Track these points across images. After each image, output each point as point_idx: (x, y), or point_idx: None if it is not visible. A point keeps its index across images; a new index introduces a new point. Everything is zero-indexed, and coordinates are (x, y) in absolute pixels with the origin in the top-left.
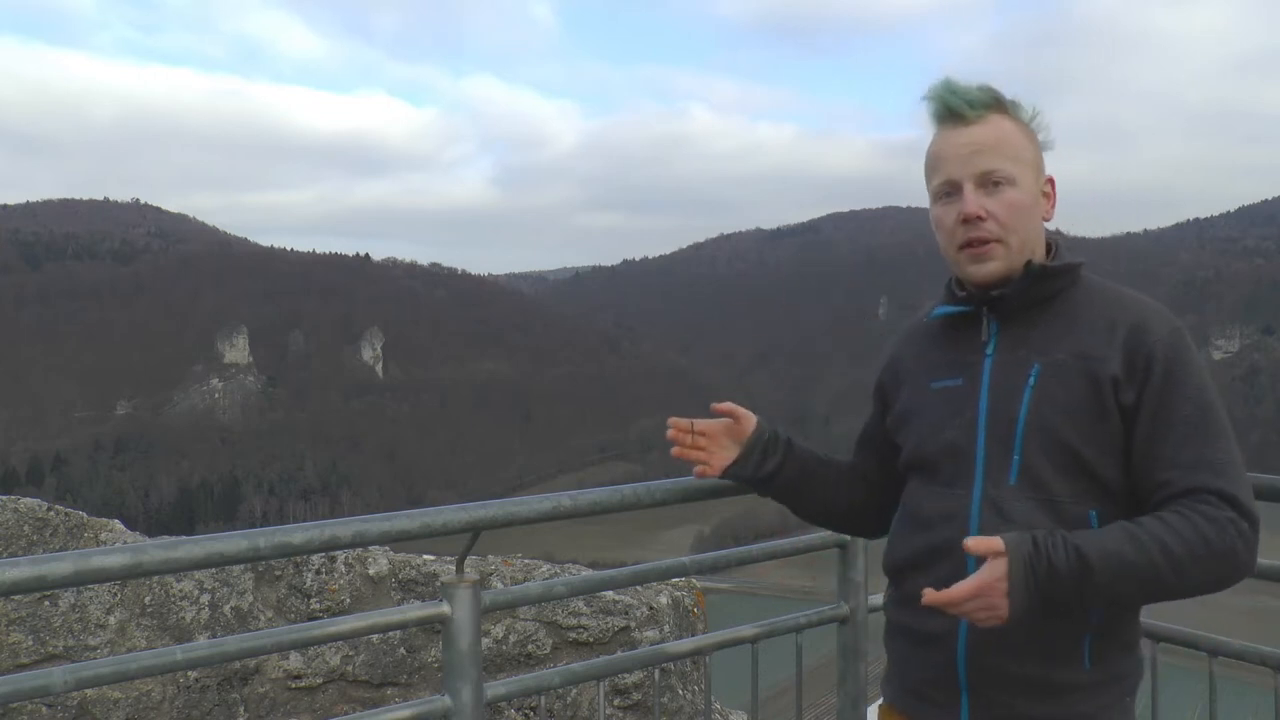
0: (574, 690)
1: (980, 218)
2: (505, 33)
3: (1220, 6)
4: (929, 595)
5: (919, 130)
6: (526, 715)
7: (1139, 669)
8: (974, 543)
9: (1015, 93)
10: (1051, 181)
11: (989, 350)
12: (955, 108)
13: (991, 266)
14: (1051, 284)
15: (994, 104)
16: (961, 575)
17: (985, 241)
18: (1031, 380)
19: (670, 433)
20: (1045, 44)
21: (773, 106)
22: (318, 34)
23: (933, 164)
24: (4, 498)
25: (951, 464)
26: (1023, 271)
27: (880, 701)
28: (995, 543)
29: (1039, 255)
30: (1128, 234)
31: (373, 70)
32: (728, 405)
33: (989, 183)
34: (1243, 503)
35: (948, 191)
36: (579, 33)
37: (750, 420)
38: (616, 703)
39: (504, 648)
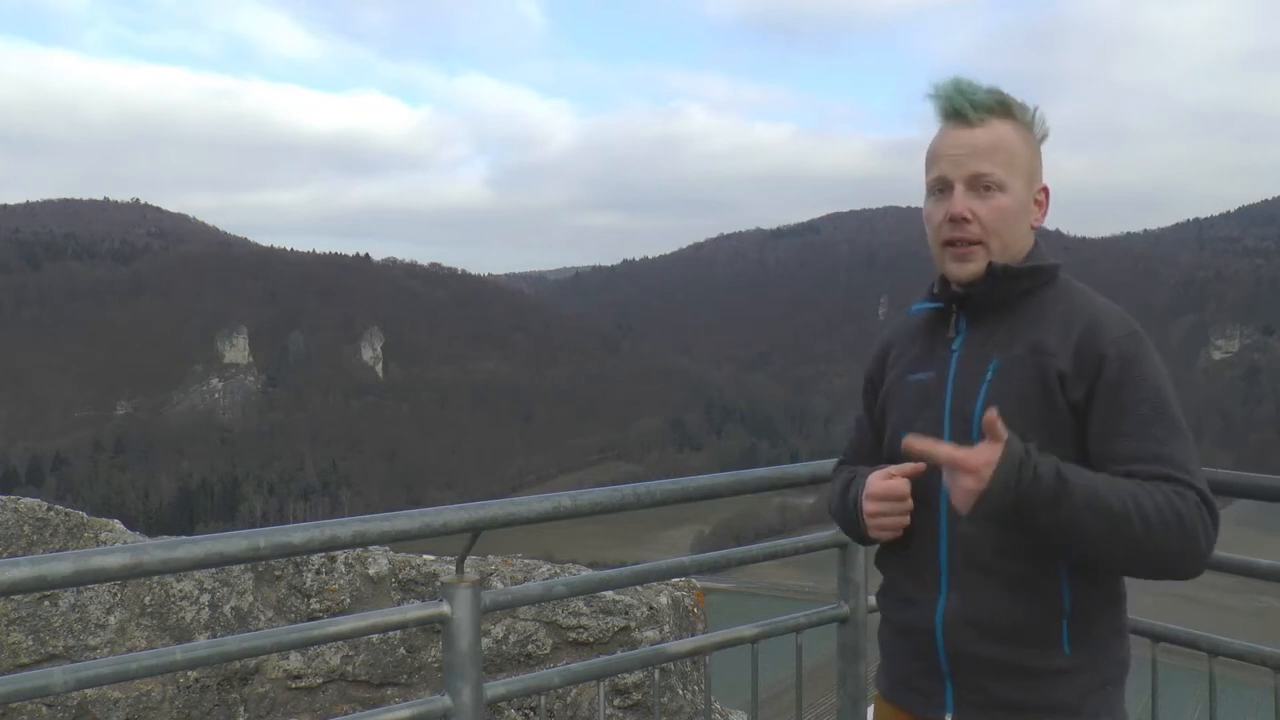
0: (574, 690)
1: (965, 219)
2: (494, 31)
3: (1219, 4)
4: (911, 441)
5: (916, 131)
6: (526, 715)
7: (1124, 660)
8: (989, 416)
9: (1011, 92)
10: (1045, 190)
11: (956, 346)
12: (959, 108)
13: (971, 267)
14: (1017, 285)
15: (998, 108)
16: (933, 564)
17: (968, 242)
18: (989, 375)
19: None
20: (1040, 42)
21: (768, 105)
22: (308, 32)
23: (931, 159)
24: (4, 498)
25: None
26: (985, 273)
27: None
28: (1000, 428)
29: (1018, 259)
30: (1127, 234)
31: (365, 69)
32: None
33: (979, 186)
34: (1207, 495)
35: (940, 189)
36: (567, 31)
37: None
38: (616, 703)
39: (504, 648)
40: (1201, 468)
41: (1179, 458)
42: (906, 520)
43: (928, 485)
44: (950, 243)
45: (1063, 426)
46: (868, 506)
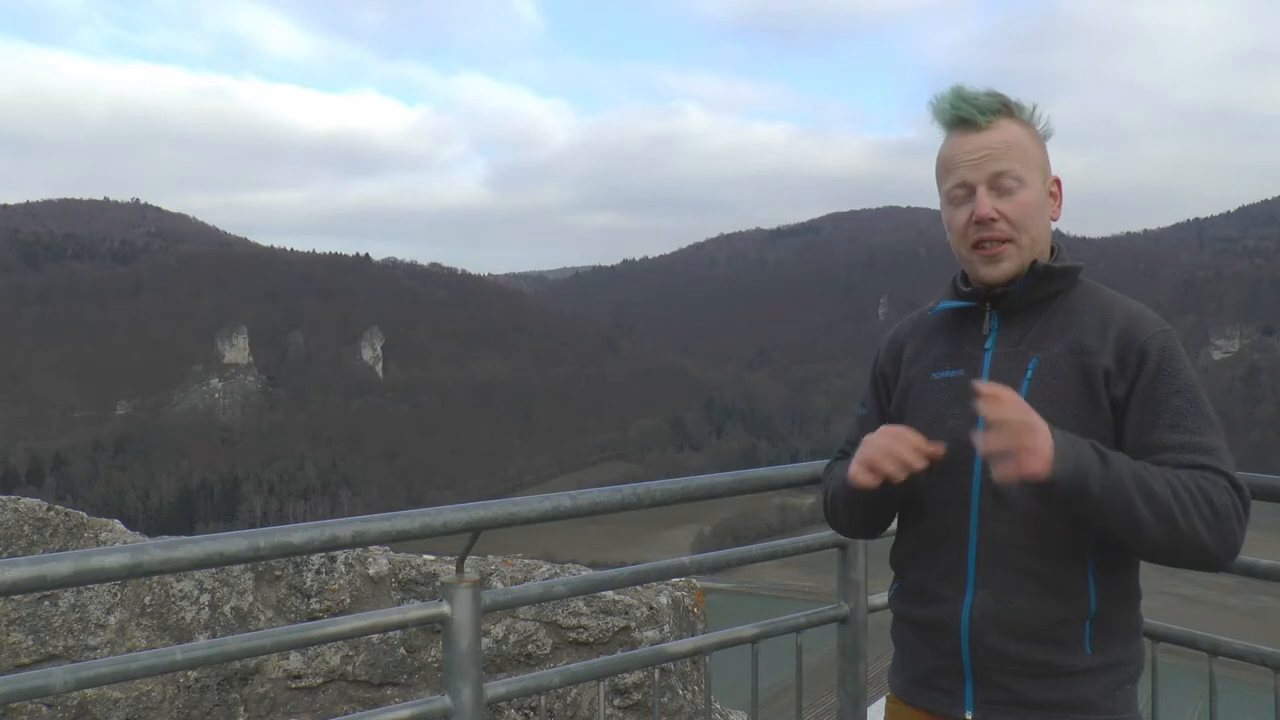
0: (574, 690)
1: (993, 219)
2: (489, 31)
3: (1218, 3)
4: (982, 386)
5: (915, 131)
6: (526, 715)
7: (1140, 659)
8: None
9: (1007, 92)
10: (1058, 182)
11: (989, 344)
12: (967, 115)
13: (1004, 266)
14: (1053, 284)
15: (1002, 109)
16: (964, 561)
17: (998, 242)
18: (1029, 373)
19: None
20: (1035, 41)
21: (764, 105)
22: (303, 31)
23: (945, 168)
24: (4, 498)
25: (952, 452)
26: (1028, 271)
27: (882, 698)
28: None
29: (1046, 255)
30: (1128, 234)
31: (361, 69)
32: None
33: (1000, 185)
34: (1238, 482)
35: (961, 194)
36: (563, 31)
37: None
38: (616, 703)
39: (504, 648)
40: (1233, 460)
41: (1212, 447)
42: (889, 468)
43: (958, 483)
44: (979, 244)
45: (1102, 425)
46: (868, 439)
